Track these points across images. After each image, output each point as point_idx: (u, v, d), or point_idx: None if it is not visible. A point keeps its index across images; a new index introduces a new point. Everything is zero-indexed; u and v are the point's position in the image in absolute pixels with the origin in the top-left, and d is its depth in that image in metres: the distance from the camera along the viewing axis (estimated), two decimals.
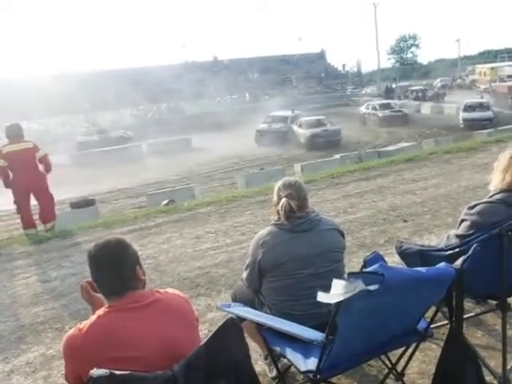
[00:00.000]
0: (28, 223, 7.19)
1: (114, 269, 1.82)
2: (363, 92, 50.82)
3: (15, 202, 7.16)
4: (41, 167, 7.20)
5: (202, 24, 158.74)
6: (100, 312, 1.79)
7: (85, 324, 1.76)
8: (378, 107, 31.32)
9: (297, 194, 2.56)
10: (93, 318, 1.77)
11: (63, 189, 16.30)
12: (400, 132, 26.68)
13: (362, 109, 33.07)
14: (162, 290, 1.90)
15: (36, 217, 7.37)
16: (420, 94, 40.19)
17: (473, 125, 24.00)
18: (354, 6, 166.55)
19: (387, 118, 29.86)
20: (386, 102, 34.23)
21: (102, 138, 29.73)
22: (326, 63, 57.78)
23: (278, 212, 2.56)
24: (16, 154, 6.91)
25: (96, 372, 1.49)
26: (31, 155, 7.06)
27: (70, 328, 1.84)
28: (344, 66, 60.29)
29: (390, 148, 18.22)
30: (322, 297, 1.78)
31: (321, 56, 58.48)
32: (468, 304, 3.35)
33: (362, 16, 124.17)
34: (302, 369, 2.08)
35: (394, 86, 48.35)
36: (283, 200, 2.53)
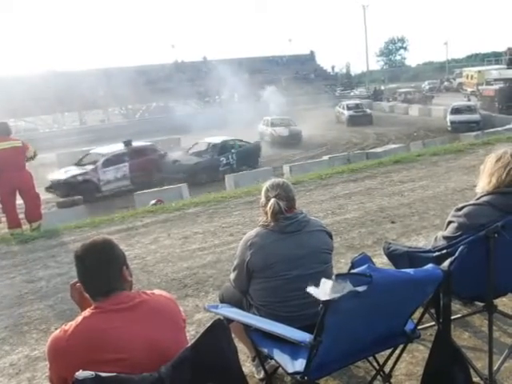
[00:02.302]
0: (13, 222, 7.11)
1: (101, 269, 1.80)
2: (352, 94, 51.07)
3: (0, 201, 7.08)
4: (27, 165, 7.13)
5: (192, 24, 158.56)
6: (86, 313, 1.77)
7: (70, 325, 1.74)
8: (345, 107, 33.20)
9: (285, 195, 2.56)
10: (78, 319, 1.75)
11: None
12: (388, 133, 26.86)
13: (337, 108, 34.84)
14: (148, 292, 1.89)
15: (21, 216, 7.29)
16: (410, 96, 40.53)
17: (460, 127, 24.25)
18: (344, 9, 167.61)
19: (352, 118, 31.67)
20: (354, 102, 35.22)
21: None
22: (315, 64, 57.88)
23: (266, 213, 2.56)
24: (2, 152, 6.82)
25: (81, 374, 1.48)
26: (18, 154, 6.98)
27: (56, 329, 1.82)
28: (333, 67, 60.65)
29: (378, 149, 18.32)
30: (311, 290, 1.78)
31: (310, 57, 58.58)
32: (455, 305, 3.37)
33: (351, 18, 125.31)
34: (290, 370, 2.08)
35: (382, 88, 48.70)
36: (272, 200, 2.52)
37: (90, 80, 35.61)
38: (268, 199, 2.56)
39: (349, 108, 33.09)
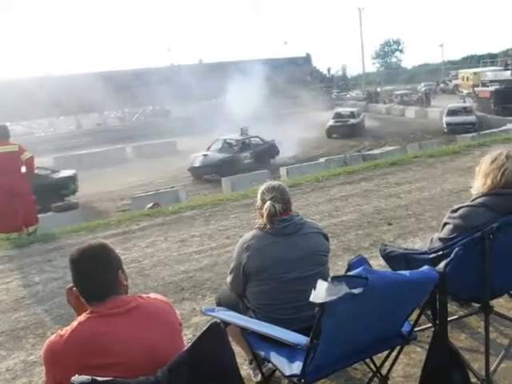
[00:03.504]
0: (9, 226, 7.08)
1: (96, 273, 1.79)
2: (348, 96, 51.19)
3: None
4: (23, 170, 7.11)
5: (188, 27, 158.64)
6: (81, 318, 1.76)
7: (66, 330, 1.73)
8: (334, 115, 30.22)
9: (281, 197, 2.57)
10: (74, 323, 1.75)
11: None
12: (385, 135, 26.94)
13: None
14: (144, 295, 1.88)
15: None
16: (406, 98, 40.69)
17: (456, 129, 24.36)
18: (340, 11, 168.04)
19: (331, 128, 28.63)
20: (349, 110, 31.43)
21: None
22: (311, 67, 57.95)
23: (262, 215, 2.56)
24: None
25: (77, 378, 1.47)
26: (15, 158, 6.97)
27: (52, 334, 1.82)
28: (329, 69, 60.68)
29: (375, 151, 18.38)
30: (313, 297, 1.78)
31: (306, 60, 58.65)
32: (452, 307, 3.37)
33: (347, 20, 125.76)
34: (287, 373, 2.08)
35: (378, 90, 48.89)
36: (268, 203, 2.53)
37: (86, 83, 35.58)
38: (264, 202, 2.57)
39: (334, 116, 29.59)
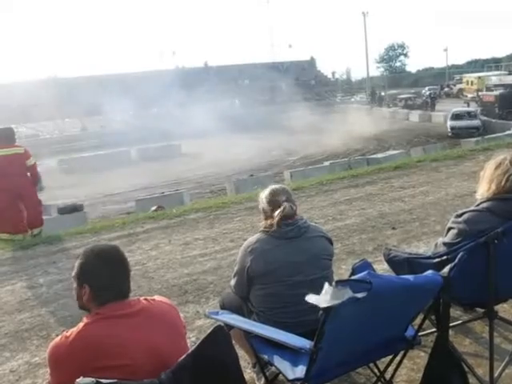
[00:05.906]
0: (15, 228, 7.10)
1: (125, 272, 1.85)
2: (352, 100, 51.22)
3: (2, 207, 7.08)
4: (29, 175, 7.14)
5: (192, 31, 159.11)
6: (87, 319, 1.77)
7: (71, 332, 1.74)
8: None
9: (291, 200, 2.59)
10: (80, 325, 1.76)
11: (50, 194, 16.21)
12: (389, 139, 26.91)
13: None
14: (149, 298, 1.89)
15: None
16: (410, 102, 40.71)
17: (460, 133, 24.34)
18: (344, 15, 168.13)
19: None
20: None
21: None
22: (315, 70, 58.06)
23: (266, 218, 2.57)
24: (5, 158, 6.84)
25: (82, 380, 1.48)
26: (21, 161, 6.99)
27: (56, 335, 1.83)
28: (334, 73, 60.87)
29: (379, 155, 18.35)
30: (311, 298, 1.78)
31: (311, 63, 58.76)
32: (456, 312, 3.36)
33: (351, 24, 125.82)
34: (290, 377, 2.08)
35: (383, 93, 48.91)
36: (285, 204, 2.53)
37: (92, 87, 35.73)
38: (277, 204, 2.56)
39: None
